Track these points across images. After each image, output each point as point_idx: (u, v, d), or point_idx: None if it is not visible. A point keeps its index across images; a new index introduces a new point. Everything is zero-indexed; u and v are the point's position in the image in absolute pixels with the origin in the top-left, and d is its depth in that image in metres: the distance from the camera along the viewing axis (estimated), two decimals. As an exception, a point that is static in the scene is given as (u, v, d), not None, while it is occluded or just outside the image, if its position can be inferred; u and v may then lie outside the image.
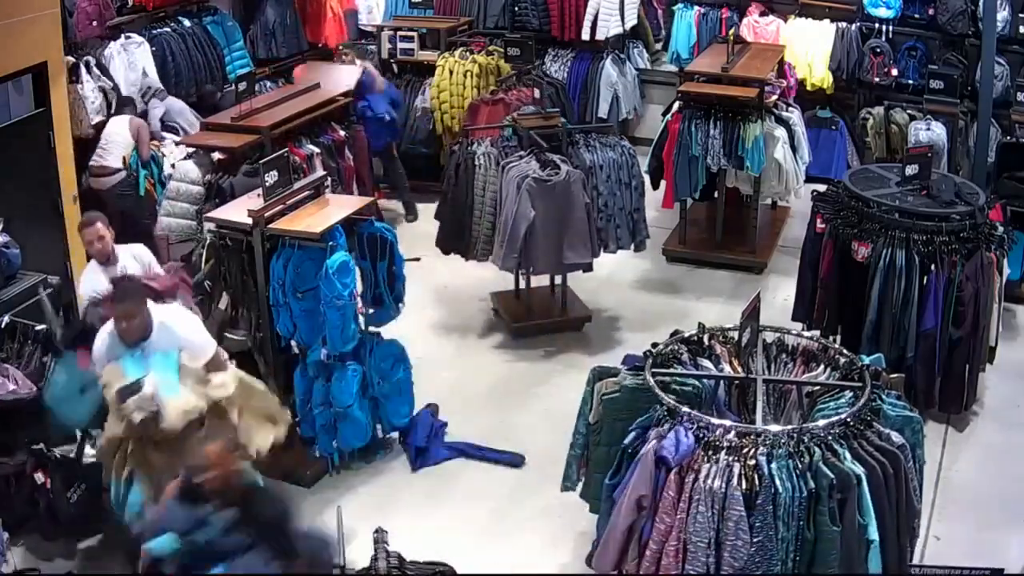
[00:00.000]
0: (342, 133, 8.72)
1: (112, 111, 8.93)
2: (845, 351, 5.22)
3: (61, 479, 5.56)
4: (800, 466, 4.42)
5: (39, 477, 5.49)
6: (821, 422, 4.63)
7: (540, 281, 8.35)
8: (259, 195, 6.15)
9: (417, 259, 9.14)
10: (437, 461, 6.64)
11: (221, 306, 6.25)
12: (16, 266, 6.06)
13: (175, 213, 8.23)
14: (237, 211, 6.14)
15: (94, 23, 8.98)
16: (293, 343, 6.18)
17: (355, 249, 6.18)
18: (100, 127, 8.85)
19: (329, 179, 7.14)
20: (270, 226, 6.01)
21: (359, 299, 6.08)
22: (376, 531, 4.39)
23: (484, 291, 8.70)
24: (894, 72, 10.43)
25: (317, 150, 8.53)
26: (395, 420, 6.56)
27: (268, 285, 6.06)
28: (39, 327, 5.49)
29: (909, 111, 9.82)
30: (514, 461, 6.66)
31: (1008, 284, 7.30)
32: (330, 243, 5.97)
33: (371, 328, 6.53)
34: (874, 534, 4.47)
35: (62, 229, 7.81)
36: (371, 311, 6.49)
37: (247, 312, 6.19)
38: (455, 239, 8.18)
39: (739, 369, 5.17)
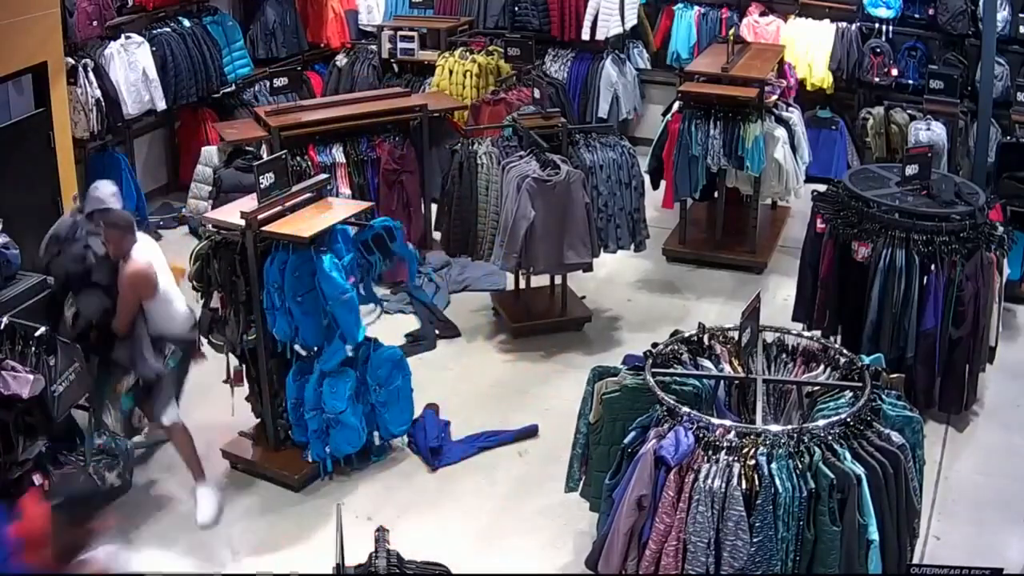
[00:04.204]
0: (386, 146, 8.54)
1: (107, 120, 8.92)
2: (845, 351, 5.23)
3: (59, 481, 5.51)
4: (800, 466, 4.42)
5: (37, 479, 5.43)
6: (821, 422, 4.64)
7: (540, 281, 8.35)
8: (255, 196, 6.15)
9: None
10: (454, 460, 6.62)
11: (213, 305, 6.23)
12: (16, 266, 5.99)
13: (200, 196, 8.36)
14: (232, 212, 6.13)
15: (94, 23, 9.00)
16: (297, 347, 6.14)
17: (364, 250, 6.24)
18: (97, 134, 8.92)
19: (330, 185, 7.12)
20: (263, 228, 5.99)
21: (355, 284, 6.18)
22: (378, 530, 4.39)
23: (484, 291, 8.71)
24: (894, 72, 10.43)
25: (343, 161, 8.43)
26: (393, 428, 6.51)
27: (262, 288, 6.03)
28: (40, 330, 5.46)
29: (909, 111, 9.81)
30: (528, 432, 6.82)
31: (1008, 284, 7.30)
32: (322, 247, 5.96)
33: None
34: (874, 534, 4.47)
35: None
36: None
37: (234, 315, 6.18)
38: (461, 241, 8.17)
39: (739, 369, 5.17)
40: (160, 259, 6.09)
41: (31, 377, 5.17)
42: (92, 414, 5.98)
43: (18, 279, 5.95)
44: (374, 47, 10.80)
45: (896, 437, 4.67)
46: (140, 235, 6.04)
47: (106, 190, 6.32)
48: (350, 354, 6.17)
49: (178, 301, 6.14)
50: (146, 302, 5.91)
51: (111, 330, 5.97)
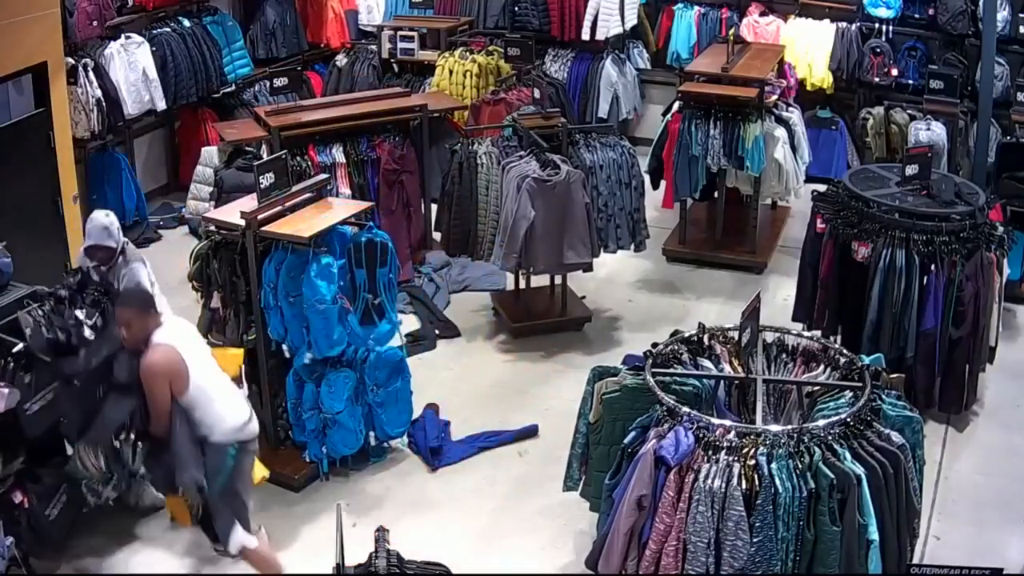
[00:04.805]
0: (386, 146, 8.50)
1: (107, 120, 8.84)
2: (845, 351, 5.23)
3: (39, 496, 5.32)
4: (800, 466, 4.43)
5: (17, 497, 5.26)
6: (821, 422, 4.64)
7: (540, 281, 8.35)
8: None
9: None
10: (454, 460, 6.61)
11: (213, 305, 6.21)
12: (8, 276, 5.57)
13: (200, 196, 8.32)
14: (232, 212, 6.13)
15: (94, 23, 9.00)
16: (284, 347, 6.14)
17: (351, 256, 6.15)
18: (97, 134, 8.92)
19: (330, 185, 7.08)
20: (263, 228, 5.98)
21: (345, 300, 6.02)
22: (378, 529, 4.40)
23: (484, 291, 8.71)
24: (894, 72, 10.43)
25: (343, 161, 8.41)
26: (390, 429, 6.48)
27: (261, 288, 6.02)
28: (18, 345, 5.14)
29: (909, 111, 9.81)
30: (528, 432, 6.81)
31: (1008, 284, 7.30)
32: (322, 247, 5.95)
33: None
34: (874, 534, 4.48)
35: (62, 229, 7.81)
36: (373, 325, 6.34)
37: (234, 315, 6.17)
38: (461, 241, 8.17)
39: (739, 369, 5.17)
40: (194, 345, 5.23)
41: (6, 391, 5.00)
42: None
43: (10, 289, 5.57)
44: (374, 47, 10.81)
45: (896, 437, 4.67)
46: (170, 317, 5.30)
47: (98, 222, 5.66)
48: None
49: (223, 398, 5.17)
50: (179, 398, 5.03)
51: (150, 434, 5.17)
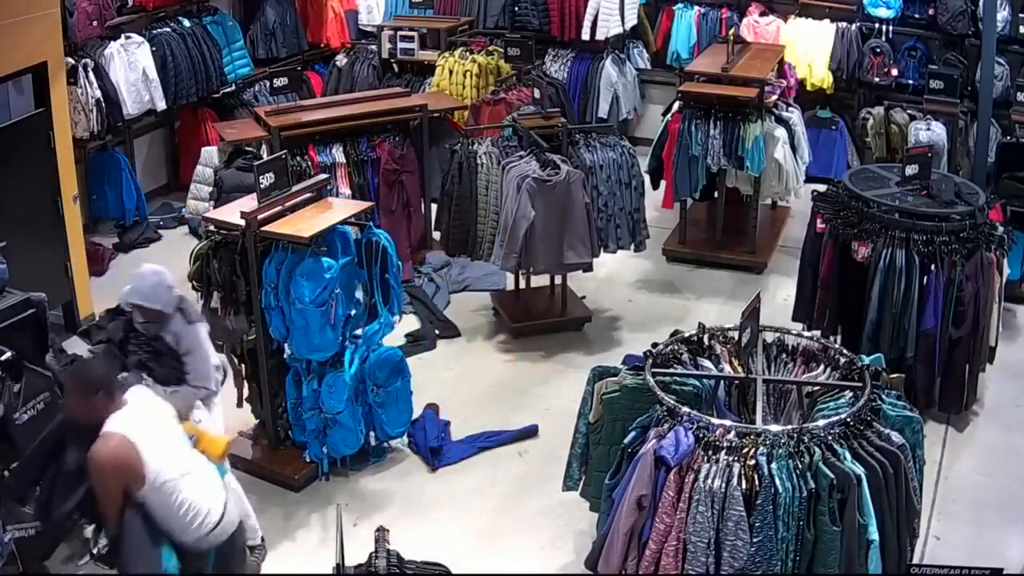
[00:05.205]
0: (386, 146, 8.51)
1: (107, 120, 8.82)
2: (845, 351, 5.23)
3: (10, 513, 4.65)
4: (800, 466, 4.43)
5: None
6: (821, 422, 4.64)
7: (540, 281, 8.35)
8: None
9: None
10: (454, 460, 6.62)
11: (213, 305, 6.20)
12: (3, 282, 5.33)
13: (200, 196, 8.31)
14: (232, 212, 6.12)
15: (94, 23, 9.00)
16: (286, 347, 6.13)
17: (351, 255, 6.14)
18: (97, 134, 8.92)
19: (330, 185, 7.08)
20: (263, 228, 5.98)
21: (333, 306, 5.94)
22: (378, 529, 4.41)
23: (484, 291, 8.71)
24: (894, 72, 10.44)
25: (343, 161, 8.41)
26: (390, 429, 6.48)
27: (261, 288, 6.02)
28: (6, 354, 4.89)
29: (909, 111, 9.81)
30: (528, 432, 6.82)
31: (1008, 284, 7.30)
32: (322, 247, 5.94)
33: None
34: (874, 534, 4.48)
35: (62, 229, 7.81)
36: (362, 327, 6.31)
37: (234, 315, 6.16)
38: (461, 241, 8.17)
39: (739, 369, 5.17)
40: (160, 432, 4.42)
41: None
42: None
43: (5, 296, 5.30)
44: (374, 47, 10.81)
45: (896, 437, 4.67)
46: (137, 391, 4.52)
47: (146, 281, 5.01)
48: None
49: (192, 499, 4.37)
50: (133, 493, 4.27)
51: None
